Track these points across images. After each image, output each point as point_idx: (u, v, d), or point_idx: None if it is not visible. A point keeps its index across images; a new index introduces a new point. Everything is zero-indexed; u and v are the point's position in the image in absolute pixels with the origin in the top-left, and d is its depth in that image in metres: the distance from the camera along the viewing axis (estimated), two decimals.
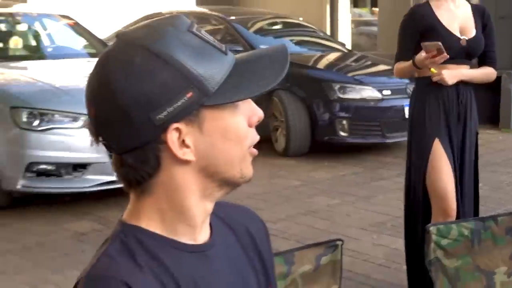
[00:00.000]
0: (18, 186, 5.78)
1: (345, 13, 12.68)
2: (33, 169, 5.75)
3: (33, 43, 7.97)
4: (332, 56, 9.22)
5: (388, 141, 8.09)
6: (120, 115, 1.17)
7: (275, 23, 10.25)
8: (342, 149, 8.18)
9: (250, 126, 1.26)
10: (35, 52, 7.72)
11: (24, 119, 5.78)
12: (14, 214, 5.93)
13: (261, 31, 9.61)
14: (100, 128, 1.20)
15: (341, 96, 7.91)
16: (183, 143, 1.19)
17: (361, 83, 8.05)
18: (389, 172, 7.40)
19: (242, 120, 1.24)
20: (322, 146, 8.16)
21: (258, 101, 1.24)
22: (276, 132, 8.21)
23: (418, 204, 3.97)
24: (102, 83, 1.18)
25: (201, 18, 9.77)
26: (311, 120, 7.96)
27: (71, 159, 5.76)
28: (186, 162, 1.20)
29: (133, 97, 1.16)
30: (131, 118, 1.16)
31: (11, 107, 5.85)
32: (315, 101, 7.98)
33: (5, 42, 7.64)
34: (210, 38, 1.22)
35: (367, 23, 14.09)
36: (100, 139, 1.21)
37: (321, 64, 8.73)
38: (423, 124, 3.90)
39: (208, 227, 1.31)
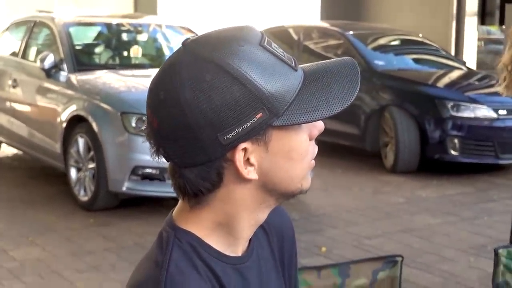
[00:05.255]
0: (123, 188, 6.03)
1: (472, 30, 12.36)
2: (138, 173, 5.99)
3: (153, 52, 8.28)
4: (451, 74, 9.03)
5: (501, 162, 7.85)
6: (187, 132, 1.14)
7: (395, 40, 10.17)
8: (453, 168, 7.99)
9: (311, 139, 1.24)
10: (153, 61, 8.02)
11: (133, 124, 6.02)
12: (118, 215, 6.19)
13: (380, 48, 9.55)
14: (162, 140, 1.17)
15: (454, 114, 7.74)
16: (247, 161, 1.17)
17: (475, 101, 7.85)
18: (500, 194, 7.17)
19: (305, 137, 1.22)
20: (432, 164, 8.00)
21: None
22: (386, 148, 8.13)
23: None
24: (169, 96, 1.14)
25: (322, 33, 9.83)
26: (421, 138, 7.83)
27: None
28: (248, 180, 1.19)
29: (203, 116, 1.13)
30: (198, 137, 1.14)
31: (122, 113, 6.11)
32: (427, 118, 7.84)
33: (127, 51, 7.97)
34: (281, 52, 1.18)
35: (496, 41, 13.66)
36: (161, 150, 1.18)
37: (436, 82, 8.57)
38: None
39: None
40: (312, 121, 1.18)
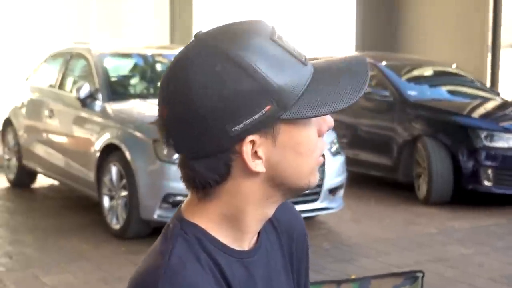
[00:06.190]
0: (155, 216, 6.08)
1: (508, 61, 12.30)
2: (169, 200, 6.03)
3: None
4: (485, 105, 8.96)
5: None
6: (195, 123, 1.16)
7: (429, 71, 10.15)
8: (486, 199, 7.90)
9: (320, 135, 1.25)
10: None
11: (165, 152, 6.08)
12: (149, 243, 6.13)
13: (413, 79, 9.52)
14: (172, 131, 1.19)
15: (488, 144, 7.68)
16: (255, 154, 1.18)
17: (510, 131, 7.78)
18: None
19: (314, 132, 1.23)
20: (465, 195, 7.93)
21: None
22: (419, 179, 8.07)
23: None
24: (180, 87, 1.16)
25: None
26: (455, 168, 7.77)
27: None
28: (256, 173, 1.20)
29: (212, 106, 1.14)
30: (207, 127, 1.15)
31: (154, 140, 6.18)
32: (460, 149, 7.79)
33: (157, 80, 8.06)
34: (291, 46, 1.20)
35: None
36: (171, 141, 1.20)
37: (470, 112, 8.50)
38: None
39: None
40: (320, 115, 1.19)
